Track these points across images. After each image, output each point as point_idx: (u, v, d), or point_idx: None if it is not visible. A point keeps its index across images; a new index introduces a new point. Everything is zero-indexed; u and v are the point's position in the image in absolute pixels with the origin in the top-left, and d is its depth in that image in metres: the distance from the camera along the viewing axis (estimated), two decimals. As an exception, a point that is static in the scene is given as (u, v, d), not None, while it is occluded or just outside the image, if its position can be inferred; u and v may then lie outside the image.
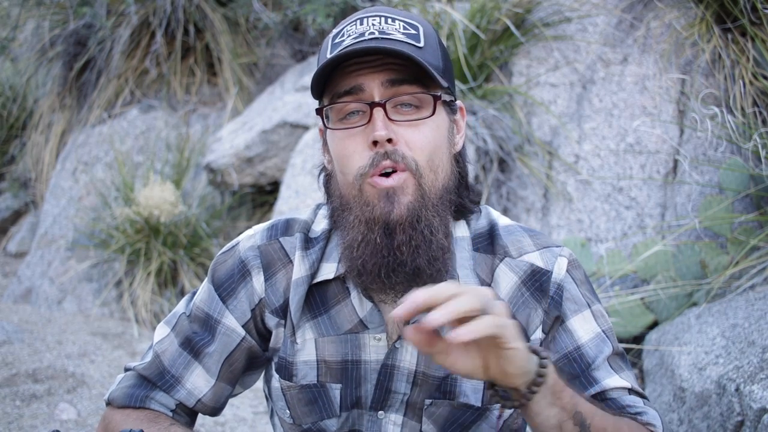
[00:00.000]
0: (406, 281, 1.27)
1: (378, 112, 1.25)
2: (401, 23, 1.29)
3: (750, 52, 3.55)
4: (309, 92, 4.97)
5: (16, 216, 6.77)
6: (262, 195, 4.93)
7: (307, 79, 4.89)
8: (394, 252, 1.25)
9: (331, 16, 4.88)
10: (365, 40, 1.26)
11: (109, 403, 1.42)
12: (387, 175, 1.25)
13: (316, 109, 1.33)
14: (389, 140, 1.24)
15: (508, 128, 3.77)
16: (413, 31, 1.29)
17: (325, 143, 1.38)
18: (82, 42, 5.97)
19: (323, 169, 1.42)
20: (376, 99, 1.25)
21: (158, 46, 5.67)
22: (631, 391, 1.33)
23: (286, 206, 4.16)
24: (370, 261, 1.26)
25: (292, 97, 4.82)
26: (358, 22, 1.30)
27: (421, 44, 1.28)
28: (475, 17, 3.93)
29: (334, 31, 1.32)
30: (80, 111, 6.09)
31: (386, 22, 1.29)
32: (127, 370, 1.46)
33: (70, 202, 5.43)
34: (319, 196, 4.31)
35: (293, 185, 4.25)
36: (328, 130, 1.33)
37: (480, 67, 3.97)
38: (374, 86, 1.26)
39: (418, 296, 1.00)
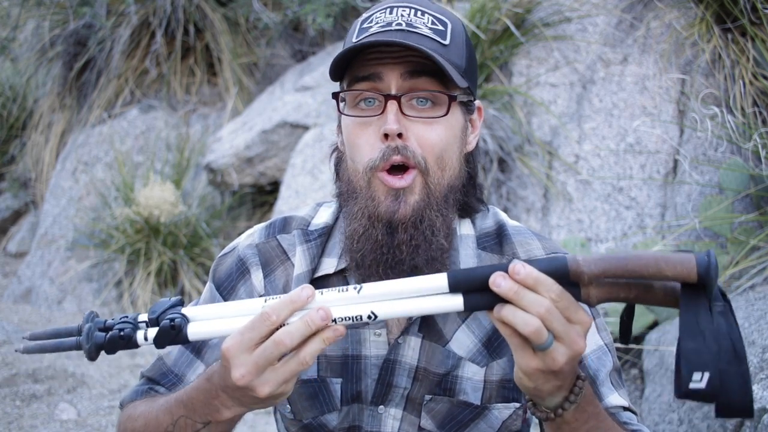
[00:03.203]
0: (404, 277, 1.28)
1: (392, 105, 1.25)
2: (430, 17, 1.29)
3: (750, 52, 3.55)
4: (309, 92, 4.94)
5: (16, 216, 6.77)
6: (262, 195, 4.93)
7: (308, 79, 4.90)
8: (394, 250, 1.27)
9: (331, 16, 4.88)
10: (391, 30, 1.26)
11: (121, 406, 1.43)
12: (397, 171, 1.26)
13: (333, 93, 1.32)
14: (399, 135, 1.25)
15: (508, 128, 3.78)
16: (441, 27, 1.29)
17: (339, 124, 1.38)
18: (82, 42, 5.98)
19: (335, 149, 1.42)
20: (393, 91, 1.25)
21: (158, 46, 5.67)
22: (625, 408, 1.34)
23: (286, 206, 4.16)
24: (369, 256, 1.28)
25: (292, 97, 4.82)
26: (388, 10, 1.30)
27: (447, 41, 1.28)
28: (475, 17, 3.93)
29: (364, 15, 1.33)
30: (80, 111, 6.09)
31: (415, 15, 1.28)
32: (141, 377, 1.49)
33: (70, 202, 5.43)
34: (319, 196, 4.27)
35: (293, 185, 4.25)
36: (342, 114, 1.33)
37: (480, 67, 3.97)
38: (393, 77, 1.26)
39: (531, 272, 1.00)
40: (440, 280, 1.04)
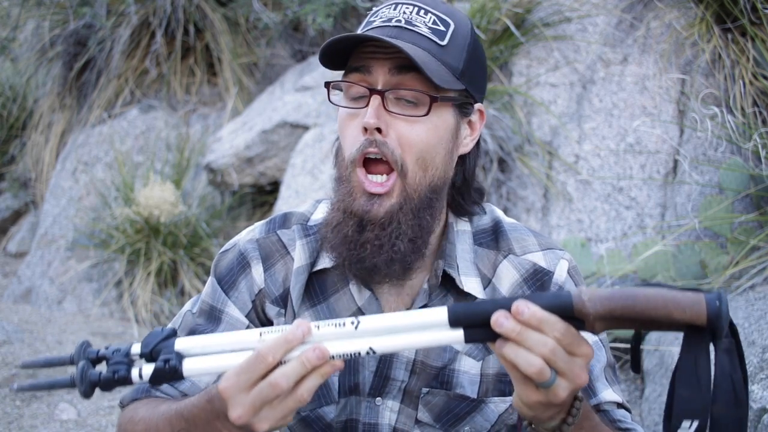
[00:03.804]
0: (362, 275, 1.33)
1: (374, 100, 1.27)
2: (433, 17, 1.30)
3: (750, 52, 3.56)
4: (309, 92, 4.92)
5: (16, 216, 6.76)
6: (262, 195, 4.93)
7: (308, 79, 4.90)
8: (358, 248, 1.30)
9: (331, 16, 4.88)
10: (389, 27, 1.28)
11: (121, 405, 1.43)
12: (374, 165, 1.28)
13: (326, 83, 1.36)
14: (379, 130, 1.26)
15: (508, 128, 3.78)
16: (441, 28, 1.30)
17: None
18: (82, 42, 5.97)
19: (338, 138, 1.44)
20: (380, 86, 1.27)
21: (158, 46, 5.67)
22: (619, 405, 1.35)
23: (286, 206, 4.16)
24: (337, 248, 1.32)
25: (292, 97, 4.82)
26: (393, 6, 1.32)
27: (445, 42, 1.29)
28: (475, 17, 3.93)
29: (374, 9, 1.36)
30: (80, 111, 6.09)
31: (417, 13, 1.30)
32: None
33: (70, 202, 5.43)
34: (319, 196, 4.32)
35: (293, 185, 4.25)
36: (331, 102, 1.36)
37: (480, 67, 3.97)
38: (381, 72, 1.27)
39: (535, 313, 0.99)
40: (440, 314, 1.03)
